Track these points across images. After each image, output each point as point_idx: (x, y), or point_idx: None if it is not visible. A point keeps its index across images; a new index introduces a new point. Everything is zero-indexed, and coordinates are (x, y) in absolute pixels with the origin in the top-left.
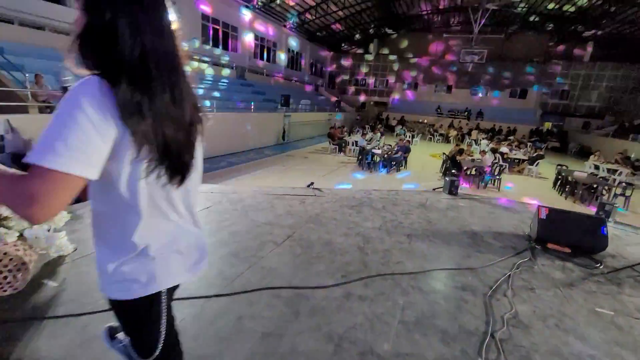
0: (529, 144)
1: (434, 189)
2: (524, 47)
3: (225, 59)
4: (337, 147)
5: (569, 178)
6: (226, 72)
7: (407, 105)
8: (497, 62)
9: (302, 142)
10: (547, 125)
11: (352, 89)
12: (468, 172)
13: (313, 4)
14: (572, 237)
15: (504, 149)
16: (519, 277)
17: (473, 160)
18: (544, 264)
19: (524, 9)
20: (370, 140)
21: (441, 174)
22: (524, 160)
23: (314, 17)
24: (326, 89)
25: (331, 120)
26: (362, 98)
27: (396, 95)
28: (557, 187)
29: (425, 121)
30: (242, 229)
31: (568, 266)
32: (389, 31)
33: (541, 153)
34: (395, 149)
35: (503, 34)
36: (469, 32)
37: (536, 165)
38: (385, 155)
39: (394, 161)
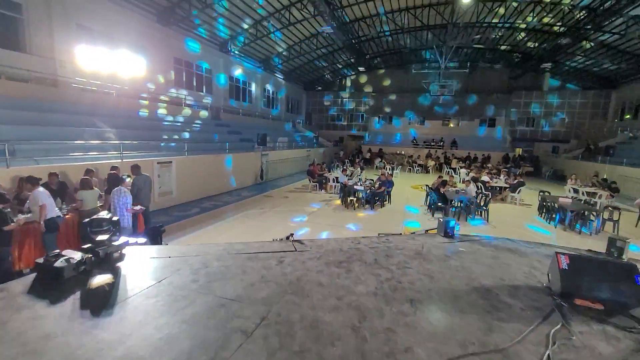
0: (503, 170)
1: (426, 231)
2: (486, 80)
3: (200, 100)
4: (317, 184)
5: (554, 205)
6: (204, 113)
7: (383, 137)
8: (465, 94)
9: (281, 181)
10: (518, 150)
11: (329, 124)
12: (455, 205)
13: (287, 45)
14: (602, 290)
15: (484, 177)
16: (560, 358)
17: (457, 191)
18: (582, 331)
19: (482, 47)
20: (351, 176)
21: (426, 207)
22: (505, 188)
23: (289, 58)
24: (303, 126)
25: (310, 156)
26: (339, 133)
27: (372, 129)
28: (542, 213)
29: (403, 152)
30: (201, 311)
31: (610, 332)
32: (361, 69)
33: (522, 180)
34: (378, 184)
35: (467, 69)
36: (436, 67)
37: (518, 193)
38: (369, 191)
39: (378, 197)
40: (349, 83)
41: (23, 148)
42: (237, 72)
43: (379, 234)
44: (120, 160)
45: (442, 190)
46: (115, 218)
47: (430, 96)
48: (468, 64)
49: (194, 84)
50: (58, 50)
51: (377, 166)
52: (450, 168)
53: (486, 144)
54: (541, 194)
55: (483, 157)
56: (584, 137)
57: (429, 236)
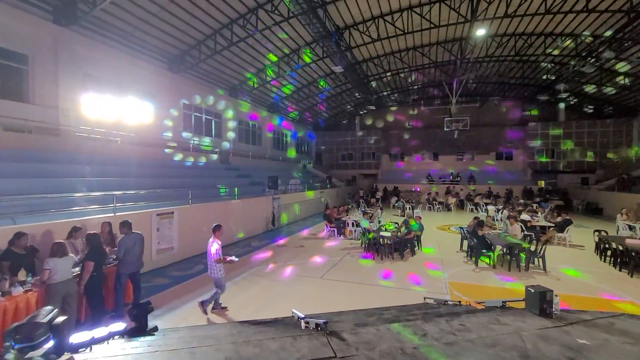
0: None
1: (504, 303)
2: (498, 112)
3: (207, 143)
4: (334, 229)
5: (620, 247)
6: (213, 157)
7: (396, 175)
8: (478, 128)
9: (294, 226)
10: (541, 183)
11: (339, 164)
12: (502, 252)
13: (296, 87)
14: None
15: (524, 216)
16: None
17: (497, 234)
18: None
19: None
20: (371, 219)
21: (466, 255)
22: (549, 227)
23: (298, 100)
24: (314, 166)
25: (323, 198)
26: (350, 172)
27: (383, 167)
28: (603, 257)
29: (418, 190)
30: None
31: None
32: (370, 107)
33: (568, 218)
34: (403, 227)
35: (477, 103)
36: (446, 103)
37: (566, 232)
38: (397, 238)
39: (407, 243)
40: (358, 122)
41: (5, 204)
42: (246, 115)
43: (425, 300)
44: (112, 215)
45: (479, 232)
46: (60, 319)
47: (445, 131)
48: (478, 98)
49: (203, 128)
50: (62, 99)
51: (394, 205)
52: (474, 204)
53: (504, 178)
54: (597, 233)
55: (507, 191)
56: (610, 167)
57: (516, 314)
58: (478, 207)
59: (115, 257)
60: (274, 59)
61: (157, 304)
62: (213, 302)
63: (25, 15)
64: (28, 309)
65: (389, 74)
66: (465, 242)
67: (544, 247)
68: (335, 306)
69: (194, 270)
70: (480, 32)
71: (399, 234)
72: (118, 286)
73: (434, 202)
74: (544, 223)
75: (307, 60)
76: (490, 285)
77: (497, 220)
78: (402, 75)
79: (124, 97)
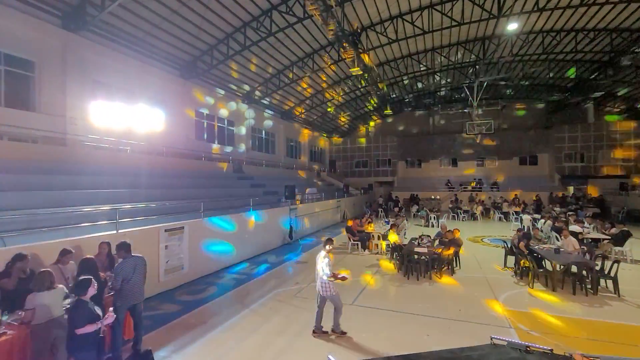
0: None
1: None
2: (521, 116)
3: (222, 152)
4: (358, 243)
5: None
6: (225, 166)
7: (413, 182)
8: (500, 132)
9: (313, 238)
10: (570, 189)
11: (354, 171)
12: (563, 271)
13: (310, 93)
14: None
15: (574, 227)
16: None
17: (557, 249)
18: None
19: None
20: (397, 229)
21: (514, 274)
22: (603, 240)
23: (312, 106)
24: (328, 174)
25: (340, 207)
26: (365, 180)
27: (400, 174)
28: None
29: (438, 197)
30: None
31: None
32: (387, 112)
33: (626, 229)
34: (436, 242)
35: (499, 106)
36: (465, 107)
37: (626, 246)
38: (435, 255)
39: (446, 260)
40: (373, 128)
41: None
42: (260, 122)
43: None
44: (115, 232)
45: (523, 246)
46: None
47: (464, 136)
48: (499, 101)
49: (216, 136)
50: (70, 107)
51: (414, 214)
52: (502, 213)
53: (528, 184)
54: None
55: (536, 198)
56: None
57: None
58: (507, 216)
59: (111, 286)
60: (288, 63)
61: (164, 340)
62: (332, 325)
63: (32, 21)
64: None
65: (405, 77)
66: (510, 258)
67: (616, 266)
68: (377, 344)
69: (207, 292)
70: (512, 26)
71: (436, 251)
72: (115, 322)
73: (459, 210)
74: (596, 235)
75: (321, 64)
76: (558, 316)
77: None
78: (419, 78)
79: (134, 105)
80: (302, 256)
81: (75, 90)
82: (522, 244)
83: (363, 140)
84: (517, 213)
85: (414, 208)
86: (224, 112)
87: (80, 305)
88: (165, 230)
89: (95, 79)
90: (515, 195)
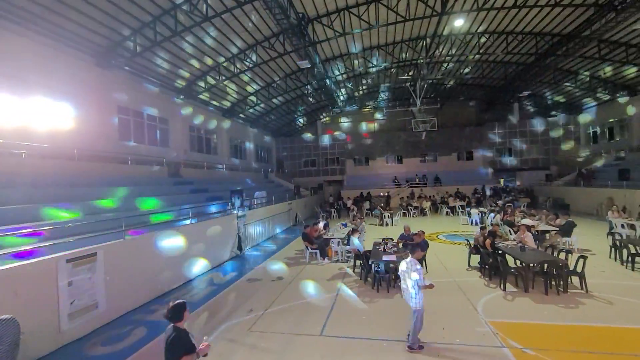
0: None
1: None
2: (457, 114)
3: (151, 154)
4: (317, 251)
5: None
6: (158, 170)
7: (362, 180)
8: (439, 130)
9: (264, 248)
10: (501, 181)
11: (302, 171)
12: (533, 270)
13: (254, 89)
14: None
15: (526, 220)
16: None
17: (523, 247)
18: None
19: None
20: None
21: (482, 275)
22: (549, 232)
23: (256, 103)
24: (277, 175)
25: (292, 210)
26: (314, 179)
27: (349, 172)
28: (627, 264)
29: (387, 194)
30: None
31: None
32: (335, 110)
33: (571, 220)
34: (401, 245)
35: (438, 105)
36: (407, 105)
37: (571, 236)
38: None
39: None
40: (321, 127)
41: None
42: (198, 120)
43: None
44: None
45: (489, 244)
46: None
47: (407, 133)
48: (438, 100)
49: (146, 136)
50: None
51: (366, 212)
52: (449, 208)
53: (466, 178)
54: (611, 236)
55: (476, 191)
56: (564, 163)
57: None
58: (454, 210)
59: None
60: (228, 54)
61: None
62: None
63: None
64: None
65: (352, 74)
66: (474, 257)
67: (582, 262)
68: None
69: (132, 338)
70: (459, 22)
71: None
72: None
73: (409, 207)
74: (544, 227)
75: (265, 57)
76: (544, 324)
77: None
78: (365, 75)
79: (30, 97)
80: (255, 271)
81: None
82: (488, 242)
83: (311, 139)
84: (462, 207)
85: (366, 204)
86: (154, 109)
87: (180, 333)
88: (68, 261)
89: None
90: (458, 189)
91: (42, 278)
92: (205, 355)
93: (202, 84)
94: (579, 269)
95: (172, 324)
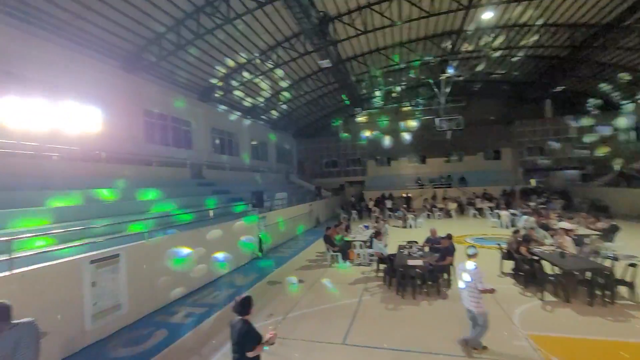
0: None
1: None
2: (484, 112)
3: (175, 156)
4: (338, 253)
5: None
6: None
7: (384, 180)
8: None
9: (285, 250)
10: (533, 182)
11: (323, 172)
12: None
13: (275, 90)
14: None
15: (563, 223)
16: None
17: (562, 253)
18: None
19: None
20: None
21: (515, 281)
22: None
23: (276, 104)
24: (297, 176)
25: (313, 211)
26: (335, 180)
27: (370, 173)
28: None
29: (407, 195)
30: None
31: None
32: (354, 110)
33: (614, 223)
34: (427, 249)
35: (463, 102)
36: (431, 104)
37: (614, 241)
38: (430, 266)
39: (443, 272)
40: (342, 126)
41: None
42: (221, 122)
43: None
44: (7, 273)
45: (526, 251)
46: None
47: (432, 133)
48: (463, 97)
49: (170, 138)
50: None
51: (389, 214)
52: (476, 209)
53: (495, 178)
54: None
55: (505, 192)
56: (601, 163)
57: None
58: (481, 212)
59: None
60: (249, 57)
61: None
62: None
63: None
64: None
65: (373, 73)
66: (506, 263)
67: (631, 270)
68: None
69: (153, 341)
70: (487, 15)
71: (430, 261)
72: None
73: (433, 208)
74: (583, 231)
75: (286, 58)
76: (593, 340)
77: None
78: (387, 74)
79: (61, 102)
80: (274, 273)
81: None
82: (524, 249)
83: (332, 139)
84: (491, 209)
85: (389, 203)
86: (178, 111)
87: (250, 326)
88: (92, 262)
89: (7, 69)
90: (485, 190)
91: (67, 279)
92: (272, 344)
93: (223, 86)
94: (628, 278)
95: (240, 317)
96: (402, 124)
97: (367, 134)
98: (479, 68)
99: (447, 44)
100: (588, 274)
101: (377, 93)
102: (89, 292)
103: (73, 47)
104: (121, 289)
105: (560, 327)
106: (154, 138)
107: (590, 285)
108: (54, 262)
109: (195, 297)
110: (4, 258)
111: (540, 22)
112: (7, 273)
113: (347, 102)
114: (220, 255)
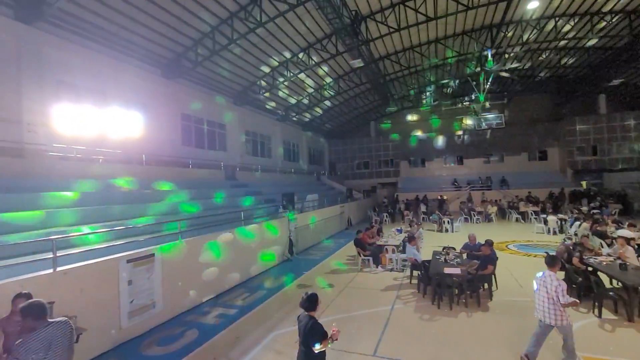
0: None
1: None
2: (528, 109)
3: (212, 159)
4: (370, 258)
5: None
6: (217, 173)
7: (418, 182)
8: (506, 127)
9: (316, 252)
10: (584, 184)
11: (355, 173)
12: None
13: (306, 92)
14: None
15: (624, 232)
16: None
17: (615, 262)
18: None
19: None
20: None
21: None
22: None
23: (309, 106)
24: (329, 178)
25: (344, 213)
26: (367, 182)
27: (403, 174)
28: None
29: (441, 197)
30: None
31: None
32: (390, 109)
33: None
34: (465, 256)
35: (505, 99)
36: (469, 101)
37: None
38: (469, 275)
39: (484, 281)
40: (374, 127)
41: None
42: (254, 125)
43: None
44: (50, 271)
45: (578, 262)
46: None
47: (469, 132)
48: (505, 94)
49: (205, 141)
50: (27, 111)
51: (423, 217)
52: (519, 213)
53: (539, 180)
54: None
55: (552, 194)
56: None
57: None
58: (525, 217)
59: None
60: (282, 59)
61: None
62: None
63: None
64: None
65: (407, 71)
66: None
67: None
68: None
69: (184, 341)
70: (532, 4)
71: (469, 270)
72: None
73: (472, 212)
74: None
75: (317, 60)
76: None
77: (573, 236)
78: (422, 72)
79: (107, 108)
80: (304, 277)
81: (34, 91)
82: (576, 260)
83: (364, 140)
84: (536, 213)
85: (422, 207)
86: (213, 115)
87: (316, 321)
88: (128, 261)
89: (59, 78)
90: (529, 193)
91: (105, 277)
92: (335, 340)
93: (257, 89)
94: None
95: (307, 313)
96: (437, 122)
97: (399, 133)
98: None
99: (487, 39)
100: None
101: (411, 92)
102: (126, 290)
103: (117, 57)
104: (156, 287)
105: (621, 349)
106: (190, 141)
107: None
108: (93, 260)
109: (226, 298)
110: (49, 256)
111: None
112: (50, 271)
113: (393, 109)
114: (249, 256)
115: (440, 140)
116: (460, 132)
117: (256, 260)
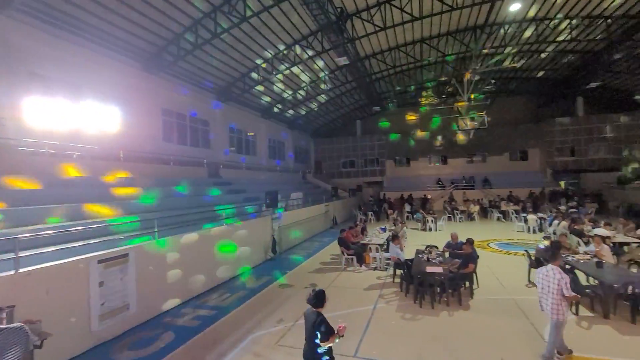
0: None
1: None
2: (509, 110)
3: (194, 155)
4: (353, 257)
5: None
6: (199, 171)
7: (403, 181)
8: (489, 128)
9: (299, 251)
10: (562, 184)
11: (341, 172)
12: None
13: (292, 90)
14: None
15: (600, 230)
16: None
17: (599, 262)
18: None
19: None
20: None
21: None
22: (631, 244)
23: (294, 104)
24: (314, 176)
25: (329, 212)
26: (353, 180)
27: (389, 174)
28: None
29: (430, 196)
30: None
31: None
32: (375, 108)
33: None
34: (447, 255)
35: (487, 100)
36: (452, 102)
37: None
38: (451, 274)
39: (465, 279)
40: (359, 126)
41: None
42: (238, 121)
43: None
44: (12, 272)
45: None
46: None
47: (453, 132)
48: (488, 95)
49: (188, 137)
50: None
51: (407, 216)
52: (500, 212)
53: (519, 180)
54: None
55: (531, 194)
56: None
57: None
58: (506, 215)
59: None
60: (267, 55)
61: None
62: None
63: None
64: None
65: (392, 71)
66: (533, 272)
67: None
68: None
69: (159, 344)
70: (515, 6)
71: (451, 268)
72: None
73: (455, 211)
74: (622, 238)
75: (303, 57)
76: None
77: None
78: (407, 72)
79: (82, 102)
80: (287, 276)
81: (2, 83)
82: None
83: (349, 139)
84: (516, 212)
85: (407, 207)
86: (196, 111)
87: (324, 317)
88: (100, 262)
89: (31, 70)
90: (510, 192)
91: (74, 278)
92: (342, 337)
93: (241, 85)
94: None
95: (314, 309)
96: (421, 123)
97: (384, 133)
98: (505, 65)
99: (471, 40)
100: (630, 288)
101: (396, 91)
102: (97, 292)
103: (94, 49)
104: (130, 289)
105: (597, 346)
106: (171, 137)
107: (634, 301)
108: (61, 261)
109: (205, 298)
110: (9, 257)
111: (572, 14)
112: (11, 272)
113: (392, 107)
114: (230, 256)
115: (425, 140)
116: (444, 132)
117: (238, 259)
